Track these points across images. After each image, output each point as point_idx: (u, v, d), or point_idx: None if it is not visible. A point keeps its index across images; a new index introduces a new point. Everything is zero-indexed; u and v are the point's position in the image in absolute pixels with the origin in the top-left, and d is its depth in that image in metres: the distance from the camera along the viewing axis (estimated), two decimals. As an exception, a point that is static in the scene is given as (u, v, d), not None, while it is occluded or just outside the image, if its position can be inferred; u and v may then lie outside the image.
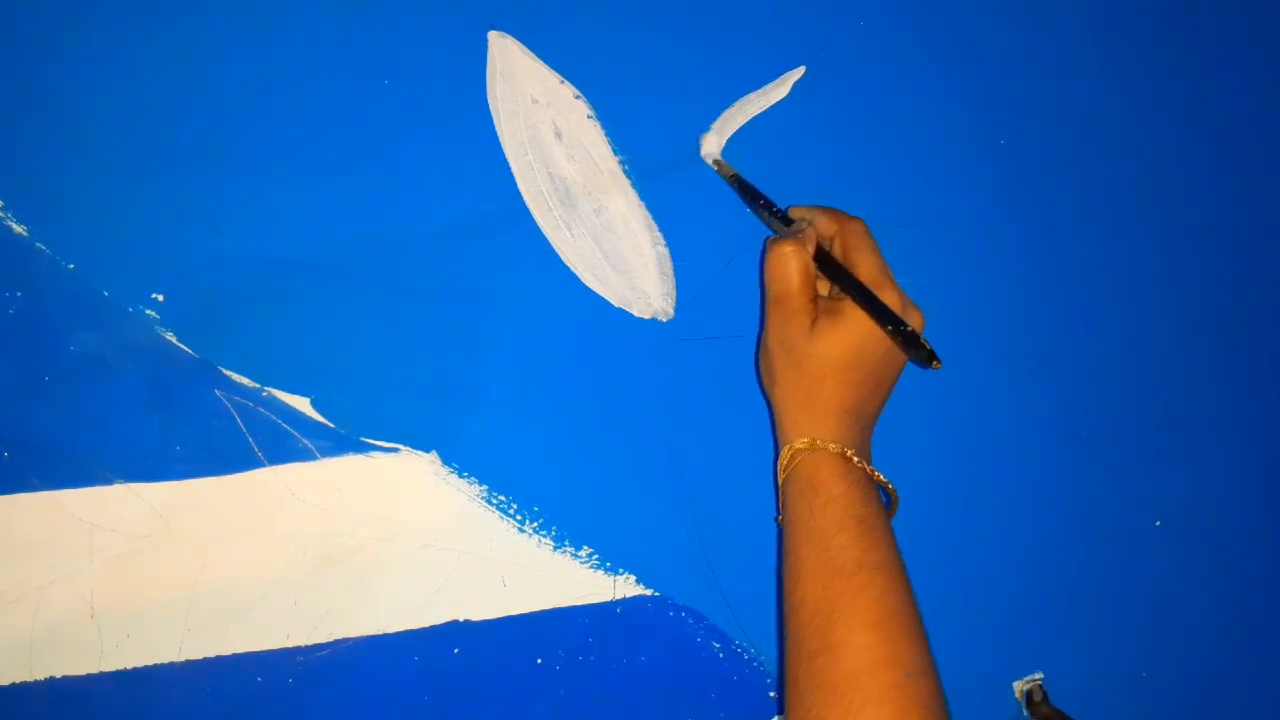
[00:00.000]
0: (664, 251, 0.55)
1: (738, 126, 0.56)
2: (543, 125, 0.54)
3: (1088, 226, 0.62)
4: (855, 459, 0.49)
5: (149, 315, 0.51)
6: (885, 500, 0.51)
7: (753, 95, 0.56)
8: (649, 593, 0.56)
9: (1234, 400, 0.64)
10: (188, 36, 0.50)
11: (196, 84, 0.50)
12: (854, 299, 0.50)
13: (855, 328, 0.49)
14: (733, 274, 0.57)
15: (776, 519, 0.52)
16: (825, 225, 0.53)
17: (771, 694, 0.58)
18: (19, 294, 0.49)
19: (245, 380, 0.52)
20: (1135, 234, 0.62)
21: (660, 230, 0.55)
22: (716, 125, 0.56)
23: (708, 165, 0.55)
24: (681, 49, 0.55)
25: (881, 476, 0.50)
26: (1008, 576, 0.61)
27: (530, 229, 0.54)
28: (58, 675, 0.51)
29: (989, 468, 0.61)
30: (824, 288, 0.53)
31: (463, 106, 0.53)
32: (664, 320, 0.56)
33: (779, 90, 0.56)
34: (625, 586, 0.56)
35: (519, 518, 0.55)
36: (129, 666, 0.51)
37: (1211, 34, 0.63)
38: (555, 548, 0.55)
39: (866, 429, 0.52)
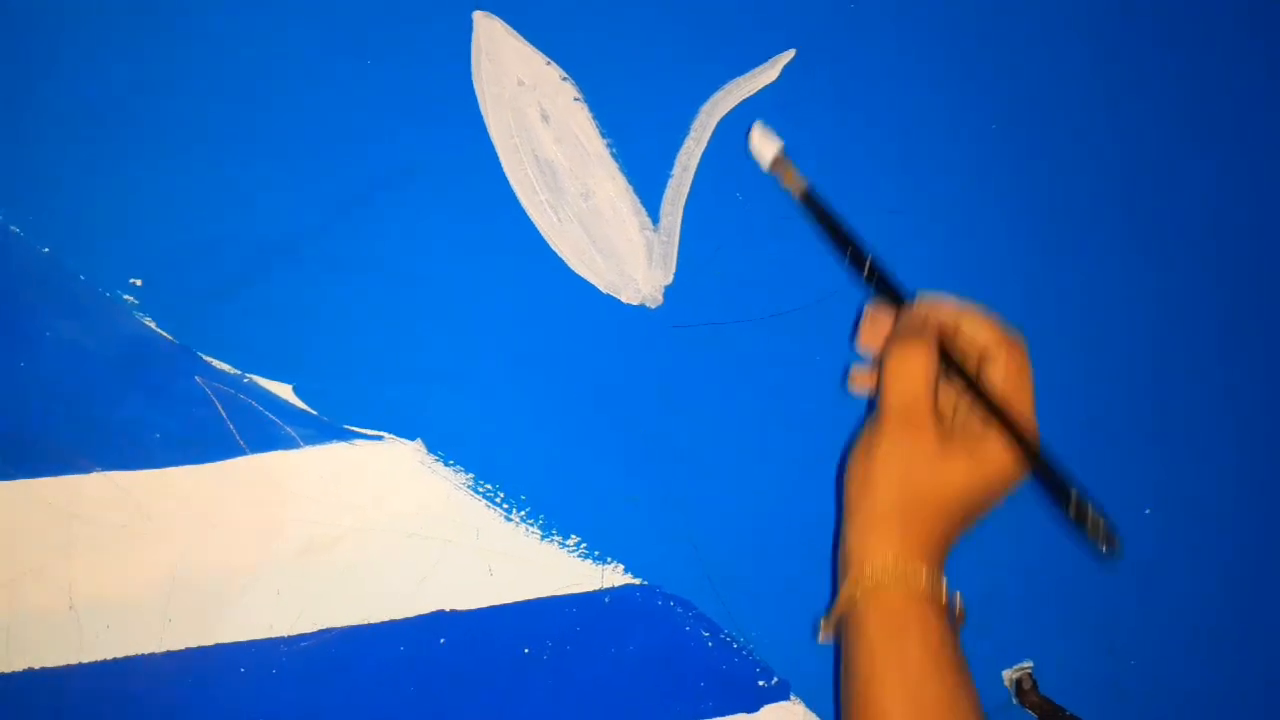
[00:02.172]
0: (652, 236, 0.55)
1: (727, 110, 0.55)
2: (529, 108, 0.53)
3: (1078, 211, 0.61)
4: (959, 607, 0.46)
5: (127, 300, 0.50)
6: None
7: (741, 79, 0.55)
8: (637, 582, 0.56)
9: (1225, 387, 0.64)
10: (166, 17, 0.49)
11: (175, 66, 0.50)
12: (1029, 461, 0.44)
13: (997, 460, 0.45)
14: (722, 260, 0.56)
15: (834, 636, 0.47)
16: (983, 336, 0.46)
17: (760, 683, 0.58)
18: (-7, 278, 0.48)
19: (226, 367, 0.51)
20: (1127, 219, 0.62)
21: (648, 215, 0.55)
22: (706, 107, 0.55)
23: (762, 168, 0.50)
24: (670, 31, 0.55)
25: (962, 607, 0.47)
26: (996, 564, 0.61)
27: (516, 213, 0.53)
28: (36, 666, 0.50)
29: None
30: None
31: (447, 88, 0.52)
32: (652, 306, 0.55)
33: (768, 73, 0.56)
34: (613, 575, 0.56)
35: (506, 506, 0.54)
36: (109, 657, 0.50)
37: (1211, 17, 0.63)
38: (543, 536, 0.55)
39: (954, 544, 0.48)
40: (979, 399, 0.45)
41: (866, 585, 0.46)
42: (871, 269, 0.48)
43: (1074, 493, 0.42)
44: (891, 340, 0.47)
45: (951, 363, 0.46)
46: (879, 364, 0.47)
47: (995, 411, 0.45)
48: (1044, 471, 0.44)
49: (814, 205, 0.49)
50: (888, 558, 0.45)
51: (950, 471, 0.45)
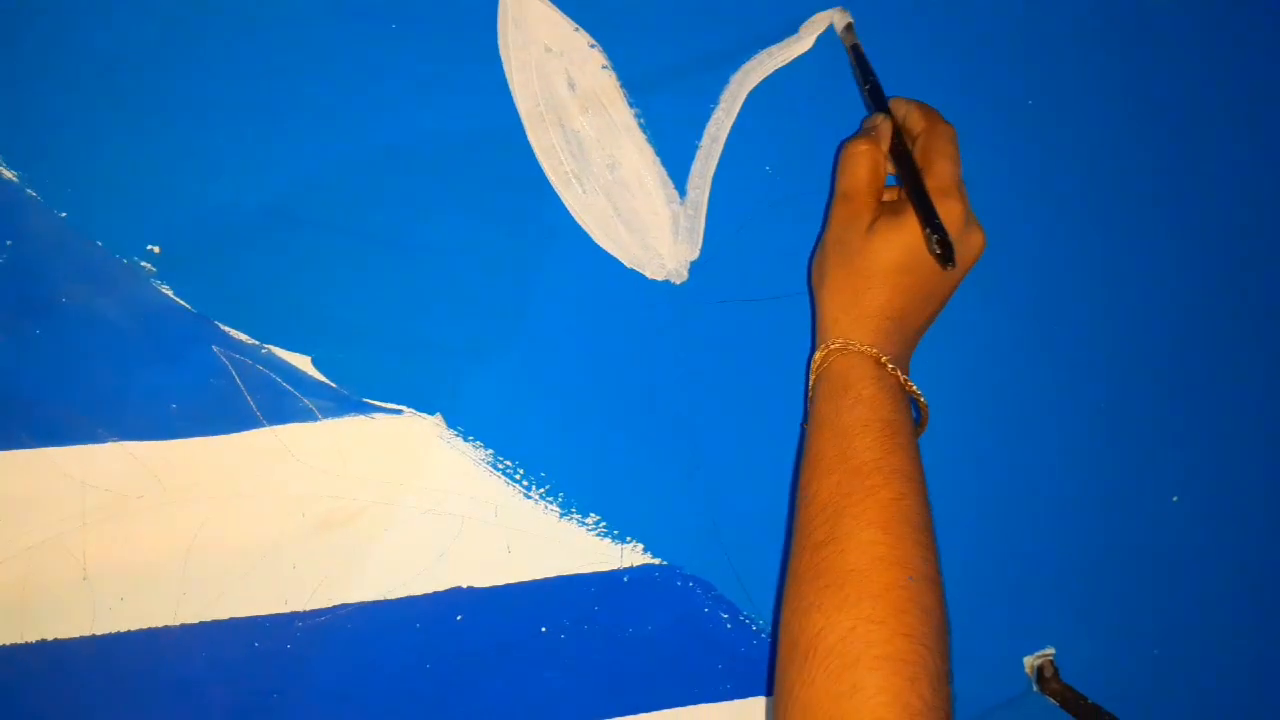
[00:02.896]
0: (679, 210, 0.54)
1: (758, 81, 0.54)
2: (556, 75, 0.51)
3: (1108, 200, 0.60)
4: (890, 365, 0.48)
5: (144, 268, 0.49)
6: (916, 414, 0.50)
7: (773, 48, 0.54)
8: (657, 562, 0.55)
9: (1252, 375, 0.63)
10: (185, -25, 0.48)
11: (197, 31, 0.48)
12: (909, 198, 0.49)
13: (914, 231, 0.48)
14: (748, 236, 0.55)
15: (803, 424, 0.52)
16: (915, 120, 0.52)
17: (779, 666, 0.57)
18: (8, 243, 0.47)
19: (244, 337, 0.50)
20: (1158, 207, 0.61)
21: (675, 188, 0.53)
22: (737, 77, 0.54)
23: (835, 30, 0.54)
24: (701, -2, 0.53)
25: (914, 388, 0.49)
26: (1021, 551, 0.60)
27: (541, 184, 0.52)
28: (50, 638, 0.49)
29: (1004, 442, 0.60)
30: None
31: (473, 55, 0.51)
32: (677, 282, 0.54)
33: (801, 43, 0.54)
34: (633, 555, 0.55)
35: (525, 483, 0.53)
36: (123, 630, 0.50)
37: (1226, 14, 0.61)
38: (562, 514, 0.54)
39: (908, 340, 0.51)
40: (896, 169, 0.51)
41: (817, 359, 0.51)
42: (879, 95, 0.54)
43: (936, 224, 0.47)
44: (846, 140, 0.52)
45: (894, 152, 0.51)
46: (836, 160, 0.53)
47: (900, 172, 0.50)
48: (919, 202, 0.48)
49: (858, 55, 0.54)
50: (836, 325, 0.50)
51: (877, 242, 0.49)
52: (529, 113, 0.51)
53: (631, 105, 0.53)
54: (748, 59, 0.54)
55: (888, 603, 0.43)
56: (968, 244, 0.50)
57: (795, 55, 0.54)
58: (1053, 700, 0.60)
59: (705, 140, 0.54)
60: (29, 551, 0.49)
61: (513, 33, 0.51)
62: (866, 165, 0.51)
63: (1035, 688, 0.60)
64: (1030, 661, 0.61)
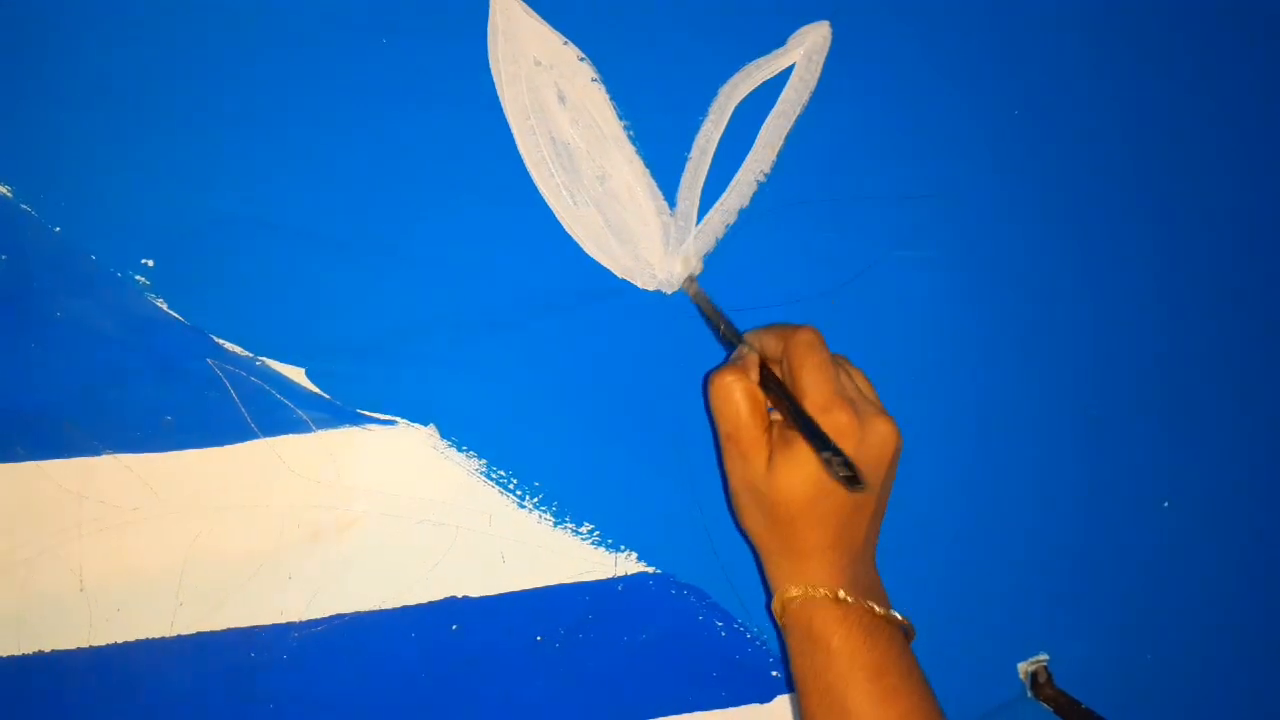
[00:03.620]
0: (669, 221, 0.54)
1: (746, 93, 0.54)
2: (545, 88, 0.52)
3: (1099, 203, 0.60)
4: (850, 599, 0.46)
5: (138, 281, 0.49)
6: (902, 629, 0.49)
7: (761, 60, 0.54)
8: (651, 570, 0.55)
9: (1243, 381, 0.63)
10: (178, -8, 0.48)
11: (188, 45, 0.49)
12: (797, 428, 0.46)
13: (811, 458, 0.45)
14: (738, 245, 0.55)
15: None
16: (772, 345, 0.49)
17: (774, 673, 0.57)
18: (2, 257, 0.48)
19: (238, 349, 0.50)
20: (1147, 212, 0.61)
21: (665, 199, 0.54)
22: (725, 89, 0.54)
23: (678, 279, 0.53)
24: (690, 11, 0.54)
25: (884, 611, 0.47)
26: (1013, 557, 0.61)
27: (531, 196, 0.52)
28: (46, 649, 0.50)
29: (996, 447, 0.60)
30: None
31: (463, 67, 0.51)
32: (668, 293, 0.55)
33: (789, 55, 0.55)
34: (627, 563, 0.55)
35: (519, 493, 0.54)
36: (119, 640, 0.50)
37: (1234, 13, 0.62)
38: (556, 524, 0.54)
39: (860, 557, 0.48)
40: (773, 400, 0.48)
41: (776, 608, 0.49)
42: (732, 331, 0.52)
43: (829, 451, 0.45)
44: (709, 377, 0.49)
45: (764, 383, 0.48)
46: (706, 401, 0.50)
47: (775, 400, 0.47)
48: (804, 427, 0.45)
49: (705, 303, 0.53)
50: (780, 573, 0.48)
51: (783, 480, 0.46)
52: (519, 125, 0.52)
53: (621, 118, 0.53)
54: (735, 71, 0.54)
55: None
56: (873, 443, 0.46)
57: (782, 67, 0.55)
58: (1047, 706, 0.60)
59: (694, 152, 0.54)
60: (26, 563, 0.49)
61: (503, 46, 0.51)
62: (741, 397, 0.47)
63: (1029, 693, 0.60)
64: (1024, 667, 0.61)
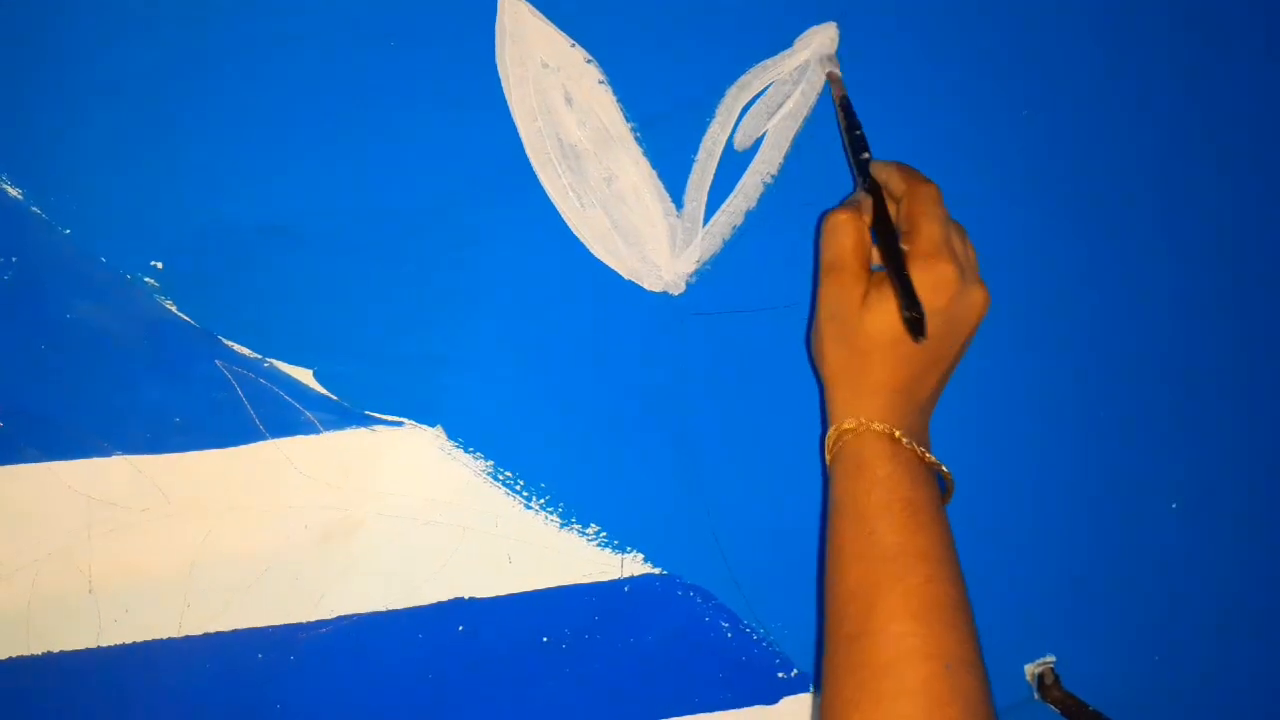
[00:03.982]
0: (676, 222, 0.54)
1: (753, 94, 0.54)
2: (553, 90, 0.52)
3: (1107, 206, 0.60)
4: (904, 440, 0.47)
5: (148, 283, 0.49)
6: (941, 484, 0.49)
7: (768, 61, 0.54)
8: (657, 571, 0.56)
9: (1251, 382, 0.63)
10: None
11: (198, 49, 0.49)
12: (886, 268, 0.48)
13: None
14: (745, 246, 0.55)
15: (823, 506, 0.51)
16: (895, 185, 0.50)
17: (780, 674, 0.57)
18: (14, 259, 0.48)
19: (246, 351, 0.50)
20: (1155, 213, 0.61)
21: (672, 200, 0.54)
22: (732, 91, 0.54)
23: (821, 72, 0.53)
24: (697, 13, 0.54)
25: (934, 459, 0.48)
26: (1021, 559, 0.60)
27: (539, 197, 0.53)
28: (55, 650, 0.50)
29: (1003, 449, 0.60)
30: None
31: (471, 70, 0.51)
32: (675, 293, 0.55)
33: (795, 57, 0.55)
34: (633, 565, 0.55)
35: (525, 494, 0.54)
36: (128, 641, 0.50)
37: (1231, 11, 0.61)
38: (562, 525, 0.54)
39: (921, 409, 0.50)
40: (877, 238, 0.49)
41: (830, 440, 0.50)
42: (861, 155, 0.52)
43: (910, 304, 0.46)
44: (827, 211, 0.51)
45: (878, 224, 0.49)
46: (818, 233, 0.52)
47: (879, 242, 0.49)
48: (898, 275, 0.47)
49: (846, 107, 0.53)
50: (844, 403, 0.49)
51: (871, 315, 0.48)
52: (526, 127, 0.52)
53: (628, 119, 0.53)
54: (743, 73, 0.54)
55: (926, 698, 0.42)
56: (965, 303, 0.48)
57: (790, 69, 0.55)
58: (1054, 708, 0.60)
59: (701, 154, 0.54)
60: (35, 565, 0.49)
61: (510, 48, 0.51)
62: (851, 235, 0.49)
63: (1036, 695, 0.60)
64: (1031, 669, 0.61)
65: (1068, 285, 0.60)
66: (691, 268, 0.55)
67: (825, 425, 0.51)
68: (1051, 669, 0.60)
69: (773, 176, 0.55)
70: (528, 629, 0.54)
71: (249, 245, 0.50)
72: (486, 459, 0.53)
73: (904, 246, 0.48)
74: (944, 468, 0.49)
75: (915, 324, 0.46)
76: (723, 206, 0.55)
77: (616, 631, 0.55)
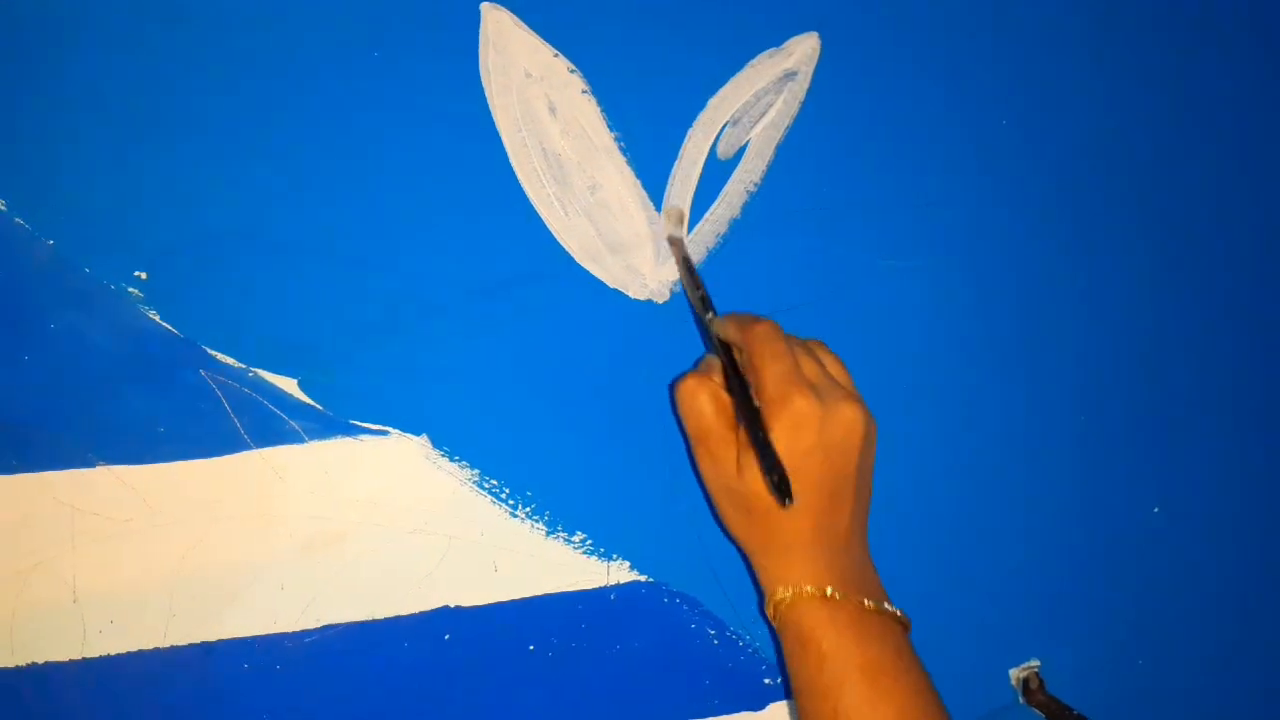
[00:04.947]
0: (660, 231, 0.54)
1: (736, 104, 0.55)
2: (536, 100, 0.52)
3: (1088, 212, 0.61)
4: (837, 595, 0.46)
5: (131, 293, 0.49)
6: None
7: (750, 71, 0.55)
8: (643, 579, 0.56)
9: (1233, 386, 0.63)
10: (171, 9, 0.49)
11: (181, 58, 0.49)
12: (743, 424, 0.45)
13: (782, 454, 0.44)
14: (729, 255, 0.56)
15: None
16: (734, 336, 0.48)
17: (766, 680, 0.58)
18: (-3, 270, 0.48)
19: (231, 360, 0.50)
20: (1136, 219, 0.61)
21: (656, 209, 0.54)
22: (714, 101, 0.54)
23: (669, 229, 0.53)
24: (679, 23, 0.54)
25: (874, 604, 0.46)
26: (1004, 563, 0.61)
27: (523, 207, 0.53)
28: (39, 661, 0.50)
29: (985, 454, 0.60)
30: None
31: (454, 80, 0.51)
32: (660, 301, 0.55)
33: (778, 67, 0.55)
34: (619, 572, 0.55)
35: (511, 503, 0.54)
36: (113, 652, 0.50)
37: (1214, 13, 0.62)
38: (548, 533, 0.54)
39: (846, 546, 0.48)
40: (735, 402, 0.47)
41: (769, 612, 0.49)
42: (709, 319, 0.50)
43: (769, 465, 0.44)
44: (674, 384, 0.50)
45: (728, 378, 0.48)
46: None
47: (736, 404, 0.47)
48: (752, 433, 0.45)
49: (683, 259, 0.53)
50: (766, 575, 0.48)
51: (753, 484, 0.46)
52: (510, 137, 0.52)
53: (612, 129, 0.53)
54: (724, 83, 0.55)
55: None
56: (836, 427, 0.45)
57: (773, 78, 0.55)
58: (1039, 712, 0.60)
59: (685, 162, 0.54)
60: (18, 575, 0.49)
61: (493, 58, 0.52)
62: (704, 400, 0.47)
63: (1021, 700, 0.60)
64: (1015, 674, 0.61)
65: (1048, 291, 0.60)
66: (676, 276, 0.55)
67: (760, 595, 0.50)
68: (1036, 673, 0.60)
69: (756, 185, 0.55)
70: (514, 637, 0.54)
71: (233, 255, 0.50)
72: (472, 467, 0.53)
73: (755, 400, 0.46)
74: (888, 606, 0.47)
75: (779, 487, 0.43)
76: (706, 215, 0.55)
77: (603, 639, 0.55)
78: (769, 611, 0.49)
